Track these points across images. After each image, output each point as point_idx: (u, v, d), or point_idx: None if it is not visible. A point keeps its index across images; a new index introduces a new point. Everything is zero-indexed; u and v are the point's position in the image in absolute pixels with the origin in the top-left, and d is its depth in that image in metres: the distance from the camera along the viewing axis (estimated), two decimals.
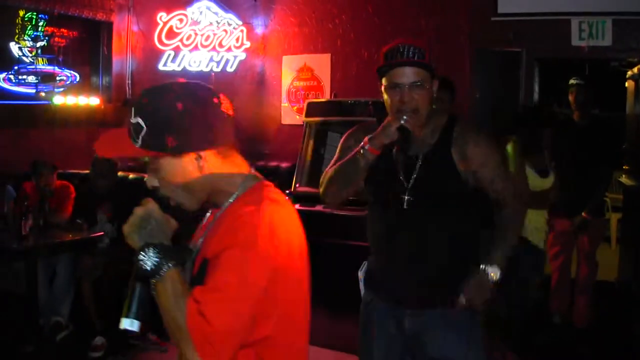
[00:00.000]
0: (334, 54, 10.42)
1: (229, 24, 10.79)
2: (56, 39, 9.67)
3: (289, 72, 10.90)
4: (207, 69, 10.73)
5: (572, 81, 7.42)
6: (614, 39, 8.17)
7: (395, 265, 3.72)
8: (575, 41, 8.34)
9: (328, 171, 3.81)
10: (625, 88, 9.53)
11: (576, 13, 8.31)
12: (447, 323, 3.63)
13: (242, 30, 10.89)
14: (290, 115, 10.85)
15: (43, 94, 9.42)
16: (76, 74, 9.93)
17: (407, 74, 3.50)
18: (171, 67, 10.56)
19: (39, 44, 9.39)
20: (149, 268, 2.31)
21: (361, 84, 9.94)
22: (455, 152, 3.60)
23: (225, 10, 10.82)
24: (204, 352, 2.18)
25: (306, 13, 10.66)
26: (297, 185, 9.01)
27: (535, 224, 6.38)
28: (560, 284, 7.53)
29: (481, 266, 3.62)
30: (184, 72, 10.61)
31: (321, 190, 3.88)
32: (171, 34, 10.52)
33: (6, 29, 9.08)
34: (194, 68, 10.68)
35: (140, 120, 2.42)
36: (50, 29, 9.54)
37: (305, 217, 7.64)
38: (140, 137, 2.43)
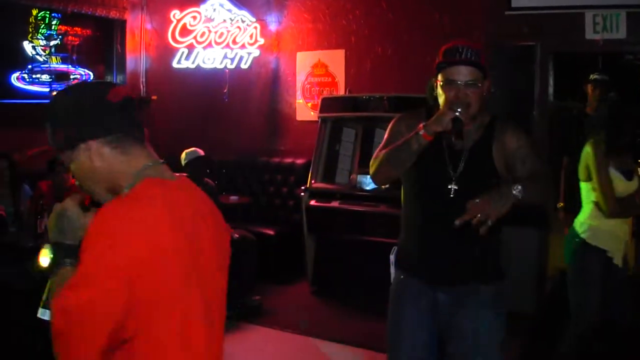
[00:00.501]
0: (348, 49, 10.37)
1: (243, 21, 10.76)
2: (70, 37, 9.68)
3: (303, 69, 10.85)
4: (221, 66, 10.70)
5: (593, 76, 7.39)
6: (628, 31, 8.12)
7: (436, 245, 3.99)
8: (589, 34, 8.29)
9: (379, 153, 3.97)
10: None
11: (590, 6, 8.27)
12: (478, 299, 3.94)
13: (255, 27, 10.85)
14: (305, 111, 10.83)
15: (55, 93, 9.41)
16: (90, 73, 9.95)
17: (463, 73, 3.76)
18: (185, 64, 10.55)
19: (52, 43, 9.40)
20: (46, 265, 2.39)
21: (375, 79, 9.91)
22: (495, 147, 3.91)
23: (239, 7, 10.80)
24: None
25: (320, 9, 10.62)
26: (313, 182, 9.01)
27: (616, 232, 5.90)
28: None
29: (512, 185, 3.62)
30: (198, 70, 10.61)
31: (372, 170, 4.07)
32: (185, 32, 10.50)
33: (20, 28, 9.09)
34: (207, 65, 10.65)
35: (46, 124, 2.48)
36: (63, 28, 9.55)
37: (321, 213, 7.68)
38: (49, 139, 2.48)
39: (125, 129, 2.45)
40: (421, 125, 3.73)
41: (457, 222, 3.56)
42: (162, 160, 2.56)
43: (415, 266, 4.11)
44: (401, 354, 4.15)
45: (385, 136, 4.12)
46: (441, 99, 3.84)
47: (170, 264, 2.24)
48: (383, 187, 5.85)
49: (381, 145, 4.06)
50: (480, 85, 3.79)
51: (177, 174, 2.55)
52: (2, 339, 6.67)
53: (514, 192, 3.58)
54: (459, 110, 3.67)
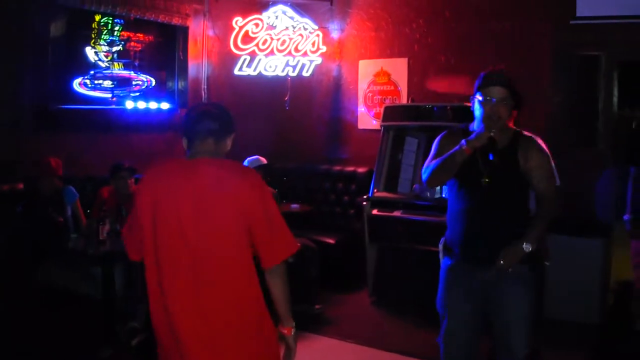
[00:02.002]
0: (411, 58, 10.30)
1: (305, 29, 10.75)
2: (132, 43, 9.69)
3: (366, 77, 10.81)
4: (283, 74, 10.68)
5: None
6: None
7: (476, 230, 4.88)
8: None
9: (430, 164, 4.97)
10: None
11: None
12: (514, 276, 4.77)
13: (318, 35, 10.84)
14: (367, 120, 10.78)
15: (115, 99, 9.44)
16: (152, 79, 9.95)
17: (498, 92, 4.75)
18: (247, 71, 10.54)
19: (114, 49, 9.41)
20: None
21: (438, 88, 9.85)
22: (520, 154, 4.85)
23: (301, 15, 10.78)
24: None
25: (382, 17, 10.57)
26: (375, 191, 8.94)
27: None
28: None
29: (522, 243, 4.71)
30: (260, 77, 10.60)
31: (425, 176, 5.01)
32: (247, 39, 10.49)
33: (82, 33, 9.11)
34: (269, 73, 10.64)
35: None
36: (126, 34, 9.56)
37: (383, 223, 7.66)
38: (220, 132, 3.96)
39: None
40: (463, 141, 4.69)
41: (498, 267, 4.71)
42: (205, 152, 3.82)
43: (460, 250, 4.97)
44: (450, 325, 5.03)
45: (433, 149, 5.10)
46: (477, 113, 4.86)
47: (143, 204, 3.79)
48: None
49: (430, 156, 5.07)
50: (508, 102, 4.79)
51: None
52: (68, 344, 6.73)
53: (526, 249, 4.70)
54: (493, 130, 4.64)
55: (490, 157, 4.71)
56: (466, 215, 4.93)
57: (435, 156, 4.99)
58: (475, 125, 4.89)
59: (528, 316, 4.87)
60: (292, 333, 3.83)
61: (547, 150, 4.93)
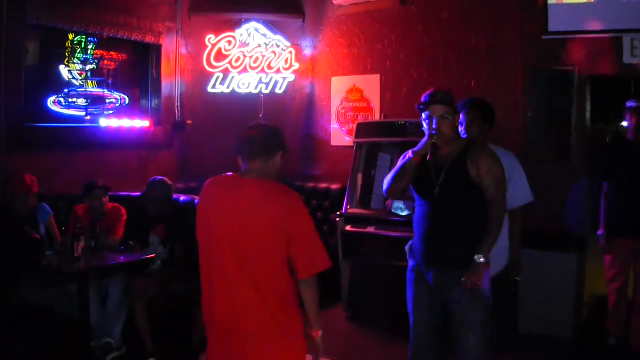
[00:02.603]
0: (384, 74, 10.38)
1: (278, 46, 10.82)
2: (105, 62, 9.72)
3: (338, 94, 10.89)
4: (256, 91, 10.74)
5: (630, 104, 7.32)
6: None
7: (429, 236, 5.25)
8: (627, 59, 8.22)
9: (388, 176, 5.45)
10: None
11: (628, 30, 8.21)
12: (460, 281, 5.03)
13: (290, 52, 10.91)
14: (340, 136, 10.84)
15: (89, 117, 9.45)
16: (126, 97, 9.97)
17: (438, 109, 5.22)
18: (220, 89, 10.61)
19: (88, 67, 9.43)
20: None
21: (411, 104, 9.81)
22: (469, 162, 5.14)
23: (274, 32, 10.86)
24: None
25: (355, 34, 10.65)
26: (348, 207, 8.98)
27: None
28: (617, 305, 7.44)
29: (474, 256, 5.01)
30: (233, 94, 10.64)
31: (384, 188, 5.47)
32: (220, 56, 10.55)
33: (56, 52, 9.13)
34: (243, 90, 10.70)
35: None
36: (99, 52, 9.59)
37: (357, 239, 7.77)
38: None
39: None
40: (410, 151, 5.28)
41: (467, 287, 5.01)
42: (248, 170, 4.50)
43: (418, 255, 5.37)
44: (414, 321, 5.49)
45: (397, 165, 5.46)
46: (425, 130, 5.30)
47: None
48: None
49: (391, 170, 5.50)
50: (451, 118, 5.23)
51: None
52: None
53: (479, 261, 4.99)
54: (435, 137, 5.15)
55: (427, 158, 5.28)
56: (423, 221, 5.31)
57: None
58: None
59: (479, 323, 5.13)
60: (320, 335, 4.39)
61: (495, 155, 5.29)
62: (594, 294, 8.69)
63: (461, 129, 6.11)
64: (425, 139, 5.20)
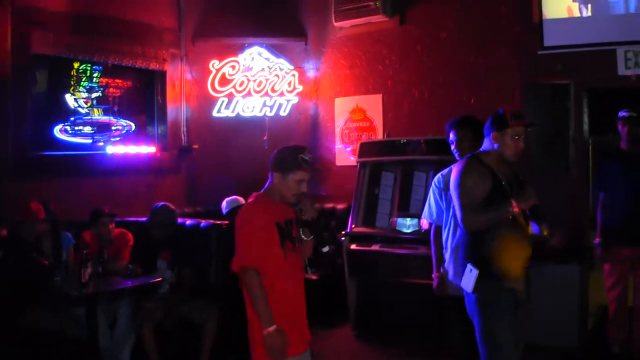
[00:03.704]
0: (385, 94, 10.48)
1: (281, 69, 10.93)
2: (111, 89, 9.81)
3: (342, 114, 10.98)
4: (261, 114, 10.86)
5: (622, 114, 7.41)
6: None
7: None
8: (621, 70, 8.30)
9: (477, 216, 5.16)
10: None
11: (621, 42, 8.29)
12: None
13: (293, 75, 11.03)
14: (344, 156, 10.91)
15: (99, 144, 9.55)
16: (132, 123, 10.07)
17: (523, 130, 5.23)
18: (225, 113, 10.73)
19: (94, 95, 9.53)
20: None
21: (413, 122, 9.99)
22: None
23: (277, 56, 10.97)
24: None
25: (357, 55, 10.76)
26: (353, 226, 9.04)
27: None
28: (618, 313, 7.47)
29: None
30: (238, 118, 10.76)
31: (472, 228, 5.22)
32: (224, 81, 10.69)
33: (62, 80, 9.23)
34: (247, 114, 10.83)
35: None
36: (104, 80, 9.69)
37: (362, 257, 7.80)
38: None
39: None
40: (514, 203, 5.01)
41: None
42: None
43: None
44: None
45: (461, 191, 5.24)
46: (503, 148, 5.24)
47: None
48: None
49: (463, 199, 5.21)
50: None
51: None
52: None
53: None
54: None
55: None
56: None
57: (464, 195, 5.23)
58: (508, 153, 5.25)
59: None
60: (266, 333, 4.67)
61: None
62: (599, 304, 8.73)
63: (453, 146, 6.30)
64: (529, 196, 5.16)
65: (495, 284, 5.11)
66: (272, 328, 4.56)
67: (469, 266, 5.25)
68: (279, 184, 4.89)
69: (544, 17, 8.72)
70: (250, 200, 5.01)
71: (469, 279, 5.23)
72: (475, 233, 5.21)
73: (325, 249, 5.23)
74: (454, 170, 5.40)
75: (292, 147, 5.00)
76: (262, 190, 5.01)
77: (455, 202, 5.31)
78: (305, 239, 4.99)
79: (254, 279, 4.67)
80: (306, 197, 4.94)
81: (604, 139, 10.01)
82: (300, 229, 4.98)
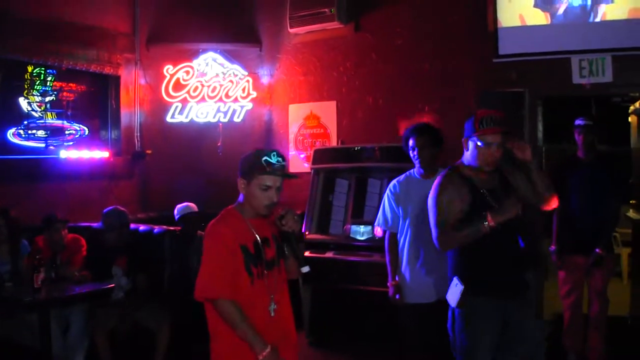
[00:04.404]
0: (340, 101, 10.48)
1: (235, 75, 10.91)
2: (65, 93, 9.75)
3: (296, 120, 10.96)
4: (215, 120, 10.83)
5: (579, 122, 7.50)
6: (614, 75, 8.22)
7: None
8: (576, 79, 8.39)
9: (451, 234, 5.00)
10: (629, 123, 9.60)
11: (576, 51, 8.39)
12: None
13: (248, 81, 11.01)
14: (298, 163, 10.90)
15: (52, 148, 9.48)
16: (85, 128, 10.01)
17: (495, 137, 4.94)
18: (179, 118, 10.69)
19: (47, 99, 9.47)
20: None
21: (367, 129, 10.01)
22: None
23: (231, 61, 10.95)
24: None
25: (311, 62, 10.76)
26: (307, 233, 9.02)
27: None
28: (573, 321, 7.55)
29: None
30: (192, 124, 10.72)
31: (444, 246, 5.12)
32: (178, 86, 10.66)
33: (15, 84, 9.16)
34: (201, 119, 10.80)
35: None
36: (58, 84, 9.63)
37: (316, 264, 7.76)
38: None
39: None
40: (489, 217, 4.77)
41: None
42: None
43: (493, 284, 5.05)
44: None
45: (437, 208, 5.10)
46: (470, 155, 5.12)
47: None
48: None
49: (438, 216, 5.08)
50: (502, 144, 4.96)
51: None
52: None
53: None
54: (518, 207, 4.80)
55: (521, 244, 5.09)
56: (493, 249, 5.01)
57: (439, 213, 5.08)
58: (475, 161, 5.07)
59: None
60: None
61: None
62: (554, 312, 8.80)
63: (413, 153, 6.30)
64: (508, 207, 4.81)
65: (480, 301, 5.00)
66: (266, 351, 4.18)
67: (455, 280, 5.10)
68: (246, 194, 4.36)
69: (499, 26, 8.79)
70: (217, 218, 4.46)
71: (454, 293, 5.09)
72: (463, 247, 5.04)
73: (305, 270, 4.41)
74: (434, 184, 5.22)
75: (257, 150, 4.37)
76: (234, 204, 4.50)
77: (431, 219, 5.16)
78: (287, 254, 4.51)
79: (227, 308, 4.21)
80: (286, 207, 4.45)
81: (557, 147, 10.12)
82: (283, 245, 4.49)
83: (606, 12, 8.26)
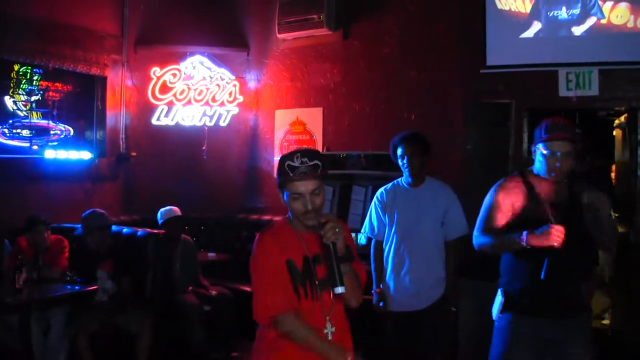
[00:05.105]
0: (326, 107, 10.47)
1: (222, 79, 10.90)
2: (50, 93, 9.70)
3: (282, 126, 10.94)
4: (200, 124, 10.82)
5: None
6: (600, 88, 8.23)
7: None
8: (562, 92, 8.40)
9: (486, 235, 4.86)
10: (613, 136, 9.64)
11: (563, 64, 8.40)
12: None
13: (234, 85, 11.01)
14: None
15: (37, 148, 9.43)
16: (70, 128, 9.97)
17: (563, 146, 4.68)
18: (165, 121, 10.67)
19: (33, 98, 9.43)
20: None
21: (353, 137, 9.99)
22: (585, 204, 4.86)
23: (218, 65, 10.93)
24: None
25: (298, 67, 10.76)
26: None
27: None
28: None
29: None
30: (178, 127, 10.70)
31: (477, 244, 4.96)
32: (164, 89, 10.64)
33: (1, 83, 9.12)
34: (187, 123, 10.79)
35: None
36: (44, 83, 9.58)
37: None
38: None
39: None
40: (525, 235, 4.44)
41: None
42: None
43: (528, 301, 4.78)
44: None
45: (484, 206, 5.00)
46: (539, 165, 4.81)
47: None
48: None
49: (482, 214, 4.99)
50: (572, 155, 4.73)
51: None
52: None
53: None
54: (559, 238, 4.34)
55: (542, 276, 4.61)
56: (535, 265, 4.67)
57: (484, 211, 4.97)
58: (541, 171, 4.78)
59: None
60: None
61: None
62: None
63: (402, 162, 6.29)
64: (547, 234, 4.38)
65: (515, 317, 4.82)
66: (349, 358, 3.81)
67: (500, 291, 4.93)
68: (288, 206, 3.84)
69: (487, 36, 8.80)
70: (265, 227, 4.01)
71: (496, 304, 4.94)
72: (513, 256, 4.83)
73: (339, 291, 3.58)
74: (495, 184, 5.04)
75: (282, 156, 3.85)
76: (287, 215, 4.00)
77: (478, 216, 5.03)
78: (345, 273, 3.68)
79: (290, 323, 3.77)
80: (331, 216, 3.75)
81: None
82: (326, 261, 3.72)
83: (594, 26, 8.29)
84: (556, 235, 4.33)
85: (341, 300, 3.93)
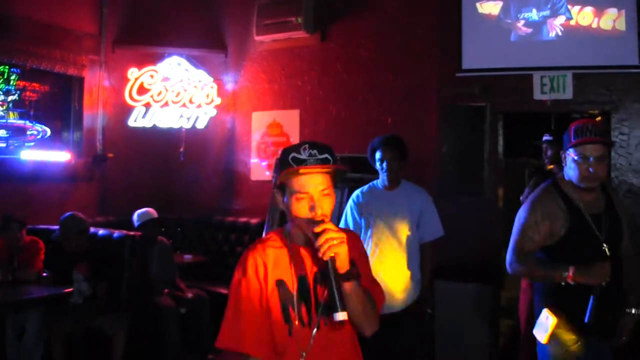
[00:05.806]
0: (303, 109, 10.50)
1: (200, 80, 10.89)
2: (28, 93, 9.66)
3: (259, 128, 10.96)
4: (178, 126, 10.81)
5: (547, 137, 7.67)
6: (574, 92, 8.34)
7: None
8: (537, 95, 8.49)
9: (527, 269, 4.62)
10: None
11: (538, 68, 8.50)
12: None
13: (212, 87, 11.00)
14: (260, 171, 10.91)
15: (13, 148, 9.40)
16: (47, 129, 9.93)
17: (596, 149, 4.41)
18: (141, 123, 10.63)
19: (10, 98, 9.39)
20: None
21: (329, 139, 9.93)
22: (619, 210, 4.68)
23: (196, 67, 10.93)
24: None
25: (276, 70, 10.77)
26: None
27: None
28: (529, 336, 7.57)
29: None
30: (155, 128, 10.67)
31: (513, 270, 4.66)
32: (142, 90, 10.61)
33: None
34: (164, 124, 10.76)
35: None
36: (21, 83, 9.54)
37: None
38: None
39: None
40: (571, 272, 4.24)
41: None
42: None
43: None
44: None
45: (522, 225, 4.63)
46: (572, 172, 4.52)
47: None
48: None
49: (516, 237, 4.64)
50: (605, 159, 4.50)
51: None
52: None
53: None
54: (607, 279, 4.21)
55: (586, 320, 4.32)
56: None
57: (519, 233, 4.62)
58: (574, 178, 4.50)
59: None
60: None
61: None
62: (509, 324, 8.85)
63: (381, 165, 6.31)
64: (595, 273, 4.25)
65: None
66: None
67: (545, 312, 4.50)
68: (289, 212, 3.11)
69: (462, 40, 8.86)
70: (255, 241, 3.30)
71: (543, 327, 4.49)
72: None
73: (338, 317, 2.84)
74: (529, 197, 4.75)
75: (283, 149, 3.16)
76: (283, 226, 3.31)
77: (512, 236, 4.70)
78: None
79: None
80: (329, 224, 2.91)
81: (517, 161, 10.18)
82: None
83: (565, 29, 8.38)
84: (603, 273, 4.22)
85: (348, 328, 3.20)
